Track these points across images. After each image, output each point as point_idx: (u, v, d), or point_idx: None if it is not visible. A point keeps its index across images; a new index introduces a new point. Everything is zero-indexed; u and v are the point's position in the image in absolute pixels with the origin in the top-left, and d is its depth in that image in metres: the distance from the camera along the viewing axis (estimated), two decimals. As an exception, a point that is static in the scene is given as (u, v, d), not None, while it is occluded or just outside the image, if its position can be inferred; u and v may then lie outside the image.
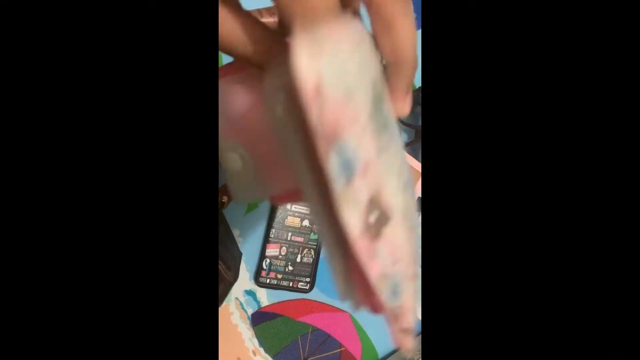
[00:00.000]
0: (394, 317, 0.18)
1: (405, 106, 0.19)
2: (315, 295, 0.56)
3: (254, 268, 0.55)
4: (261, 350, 0.54)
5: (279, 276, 0.55)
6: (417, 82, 0.57)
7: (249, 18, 0.17)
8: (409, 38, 0.16)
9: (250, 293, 0.55)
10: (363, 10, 0.18)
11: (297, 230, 0.56)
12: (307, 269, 0.56)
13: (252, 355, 0.54)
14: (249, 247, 0.55)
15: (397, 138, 0.18)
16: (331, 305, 0.56)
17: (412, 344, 0.19)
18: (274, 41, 0.17)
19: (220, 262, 0.41)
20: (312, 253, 0.56)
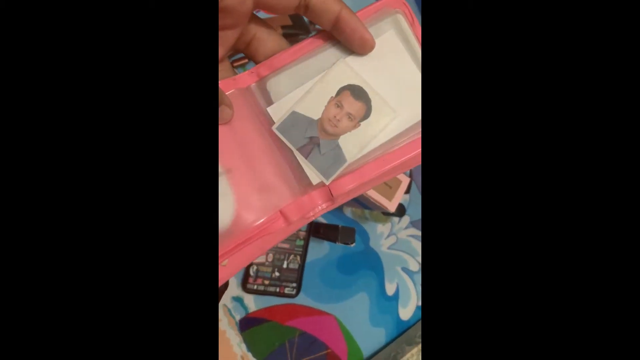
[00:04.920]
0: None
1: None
2: (301, 300, 0.57)
3: (241, 275, 0.56)
4: (249, 355, 0.54)
5: (266, 282, 0.56)
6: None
7: None
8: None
9: (237, 299, 0.56)
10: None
11: (283, 237, 0.57)
12: (293, 275, 0.57)
13: (240, 360, 0.54)
14: (236, 254, 0.56)
15: None
16: (317, 309, 0.57)
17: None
18: None
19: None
20: (298, 259, 0.57)
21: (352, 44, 0.24)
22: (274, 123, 0.24)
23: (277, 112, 0.24)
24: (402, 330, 0.58)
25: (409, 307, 0.59)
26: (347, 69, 0.24)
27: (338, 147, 0.24)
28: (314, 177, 0.24)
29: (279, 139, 0.24)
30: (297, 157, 0.24)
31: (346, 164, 0.24)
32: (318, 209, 0.24)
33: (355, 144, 0.24)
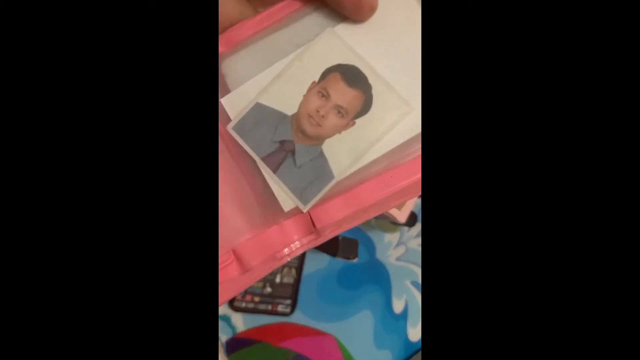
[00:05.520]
0: None
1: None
2: (296, 318, 0.53)
3: (228, 290, 0.52)
4: (237, 381, 0.51)
5: (256, 299, 0.53)
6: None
7: None
8: None
9: (224, 318, 0.53)
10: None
11: (276, 248, 0.53)
12: (287, 290, 0.53)
13: (227, 387, 0.51)
14: (222, 267, 0.52)
15: None
16: (314, 329, 0.53)
17: None
18: None
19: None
20: (294, 272, 0.54)
21: (344, 5, 0.18)
22: (230, 120, 0.18)
23: (235, 104, 0.18)
24: (410, 353, 0.54)
25: (419, 326, 0.55)
26: (337, 43, 0.18)
27: (322, 156, 0.18)
28: (286, 200, 0.18)
29: (236, 143, 0.18)
30: (262, 171, 0.18)
31: (333, 182, 0.18)
32: (296, 246, 0.19)
33: (348, 151, 0.18)
